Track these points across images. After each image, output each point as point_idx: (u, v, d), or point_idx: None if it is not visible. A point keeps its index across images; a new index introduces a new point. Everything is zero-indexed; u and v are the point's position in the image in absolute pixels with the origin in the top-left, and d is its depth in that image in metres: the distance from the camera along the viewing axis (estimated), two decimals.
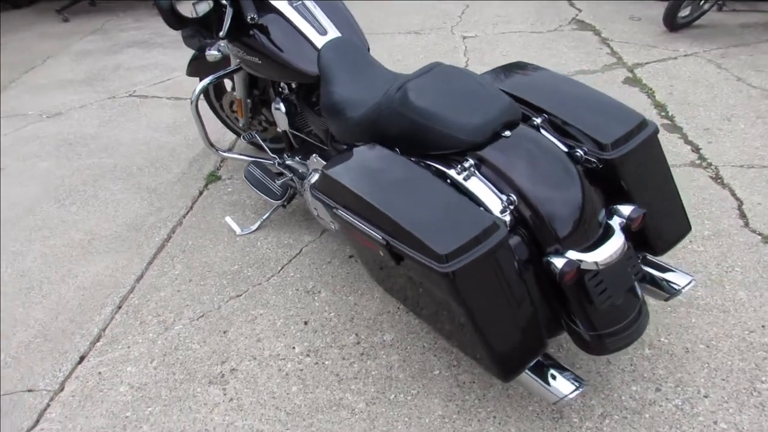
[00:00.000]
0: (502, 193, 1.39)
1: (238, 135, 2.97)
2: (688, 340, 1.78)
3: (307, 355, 1.83)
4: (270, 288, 2.12)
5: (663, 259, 1.63)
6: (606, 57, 3.90)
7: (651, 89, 3.36)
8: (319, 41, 1.96)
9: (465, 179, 1.43)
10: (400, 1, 5.38)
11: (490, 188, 1.41)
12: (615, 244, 1.35)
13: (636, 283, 1.47)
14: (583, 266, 1.33)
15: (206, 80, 2.32)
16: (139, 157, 3.10)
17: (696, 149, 2.75)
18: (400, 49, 4.33)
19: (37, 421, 1.70)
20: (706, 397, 1.61)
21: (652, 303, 1.90)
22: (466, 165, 1.43)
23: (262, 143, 2.46)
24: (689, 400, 1.60)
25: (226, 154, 2.61)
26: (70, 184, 2.91)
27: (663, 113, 3.09)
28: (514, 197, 1.37)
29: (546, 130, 1.54)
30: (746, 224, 2.22)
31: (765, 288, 1.93)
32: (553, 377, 1.40)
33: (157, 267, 2.28)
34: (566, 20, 4.64)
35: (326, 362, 1.80)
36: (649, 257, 1.62)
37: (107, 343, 1.95)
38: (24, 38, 5.39)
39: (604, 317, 1.39)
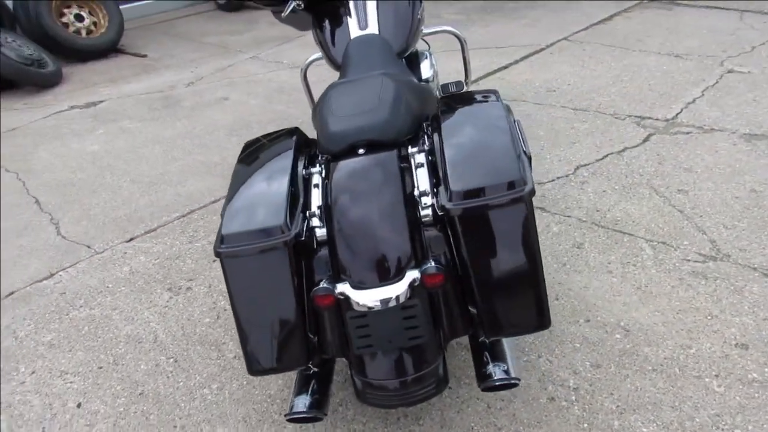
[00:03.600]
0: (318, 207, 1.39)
1: None
2: None
3: None
4: None
5: (511, 344, 1.37)
6: None
7: None
8: (354, 35, 2.09)
9: (315, 185, 1.46)
10: (708, 18, 4.70)
11: (318, 199, 1.42)
12: (385, 293, 1.24)
13: (431, 352, 1.31)
14: (353, 304, 1.26)
15: (312, 57, 2.64)
16: (309, 113, 3.64)
17: None
18: (635, 71, 3.88)
19: (72, 265, 2.39)
20: None
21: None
22: (313, 171, 1.46)
23: None
24: None
25: None
26: (249, 121, 3.63)
27: None
28: (316, 212, 1.37)
29: (424, 163, 1.43)
30: None
31: None
32: (302, 393, 1.38)
33: None
34: None
35: None
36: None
37: (152, 236, 2.54)
38: None
39: (365, 364, 1.31)
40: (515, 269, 1.28)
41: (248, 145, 1.68)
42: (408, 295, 1.25)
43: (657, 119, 3.15)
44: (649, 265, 2.09)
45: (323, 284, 1.27)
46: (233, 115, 3.73)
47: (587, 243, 2.23)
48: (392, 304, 1.24)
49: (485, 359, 1.37)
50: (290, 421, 1.35)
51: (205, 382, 1.78)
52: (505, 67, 4.18)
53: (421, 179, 1.39)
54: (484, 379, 1.33)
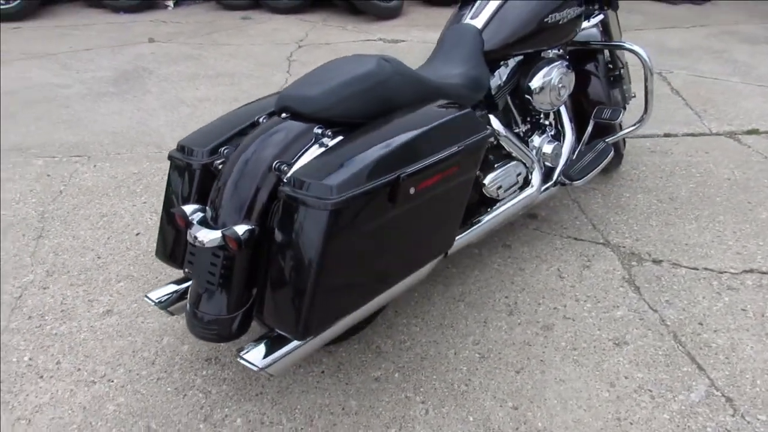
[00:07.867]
0: None
1: None
2: None
3: None
4: None
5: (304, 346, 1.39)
6: None
7: None
8: (463, 21, 2.04)
9: None
10: None
11: None
12: (203, 235, 1.37)
13: (226, 303, 1.42)
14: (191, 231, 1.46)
15: None
16: None
17: None
18: None
19: None
20: None
21: None
22: (261, 120, 1.64)
23: None
24: None
25: None
26: None
27: None
28: (226, 152, 1.55)
29: (328, 146, 1.47)
30: None
31: None
32: (166, 286, 1.66)
33: None
34: None
35: None
36: None
37: None
38: None
39: (191, 288, 1.50)
40: (292, 268, 1.32)
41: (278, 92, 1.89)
42: (216, 245, 1.37)
43: None
44: (667, 397, 1.61)
45: (185, 206, 1.47)
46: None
47: (632, 345, 1.81)
48: (199, 245, 1.38)
49: (264, 336, 1.42)
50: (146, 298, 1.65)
51: None
52: None
53: (305, 157, 1.44)
54: (241, 349, 1.40)
